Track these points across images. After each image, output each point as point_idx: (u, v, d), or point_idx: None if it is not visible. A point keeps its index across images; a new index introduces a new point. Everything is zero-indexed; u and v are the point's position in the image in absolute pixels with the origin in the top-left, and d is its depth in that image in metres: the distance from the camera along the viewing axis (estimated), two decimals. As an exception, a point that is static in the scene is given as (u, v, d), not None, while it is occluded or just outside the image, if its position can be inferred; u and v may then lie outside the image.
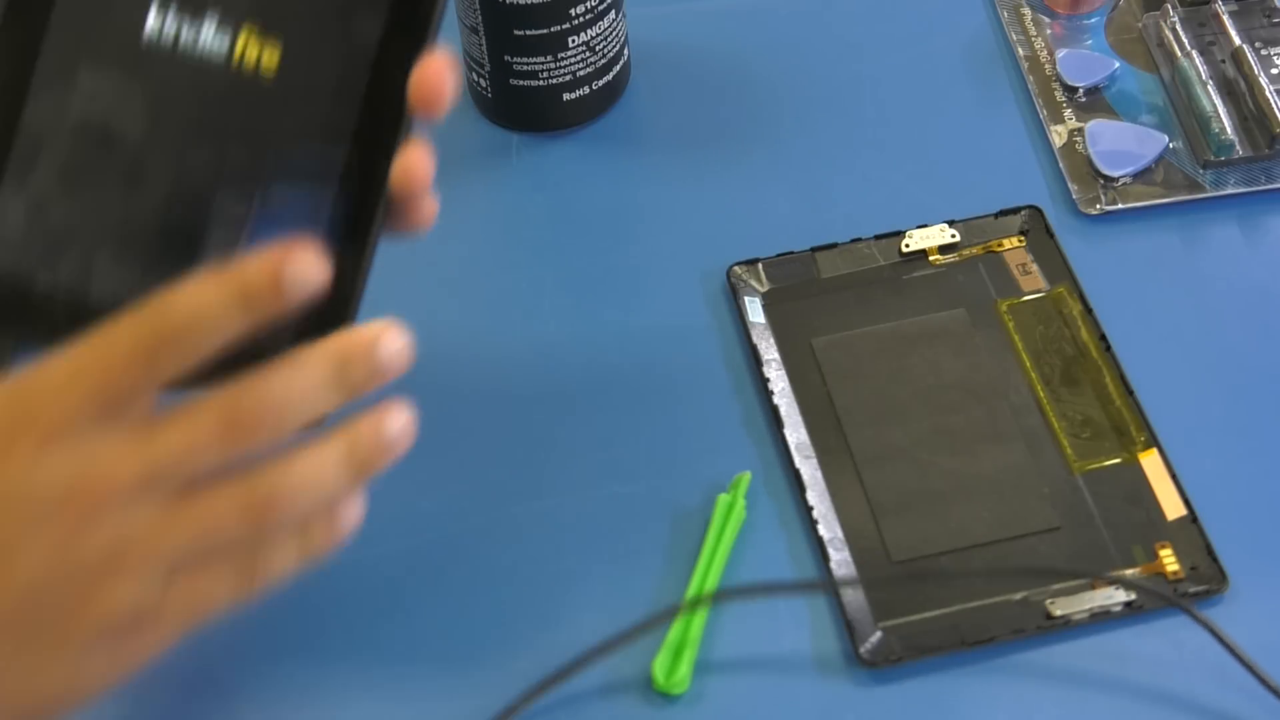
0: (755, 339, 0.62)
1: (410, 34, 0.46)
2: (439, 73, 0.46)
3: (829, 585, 0.56)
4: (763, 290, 0.64)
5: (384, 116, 0.46)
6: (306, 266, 0.43)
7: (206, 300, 0.42)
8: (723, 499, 0.58)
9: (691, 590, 0.56)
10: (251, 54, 0.46)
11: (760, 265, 0.65)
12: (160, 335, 0.42)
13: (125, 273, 0.45)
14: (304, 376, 0.43)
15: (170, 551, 0.43)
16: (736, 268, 0.65)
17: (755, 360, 0.62)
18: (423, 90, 0.46)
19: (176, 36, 0.46)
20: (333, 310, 0.46)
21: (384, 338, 0.45)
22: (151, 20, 0.46)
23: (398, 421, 0.45)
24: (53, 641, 0.42)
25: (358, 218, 0.47)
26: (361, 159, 0.46)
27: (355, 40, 0.46)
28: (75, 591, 0.42)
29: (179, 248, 0.46)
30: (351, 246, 0.46)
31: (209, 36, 0.46)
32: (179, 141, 0.46)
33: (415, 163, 0.46)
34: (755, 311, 0.63)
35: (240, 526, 0.43)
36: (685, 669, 0.54)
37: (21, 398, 0.42)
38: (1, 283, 0.45)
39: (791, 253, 0.65)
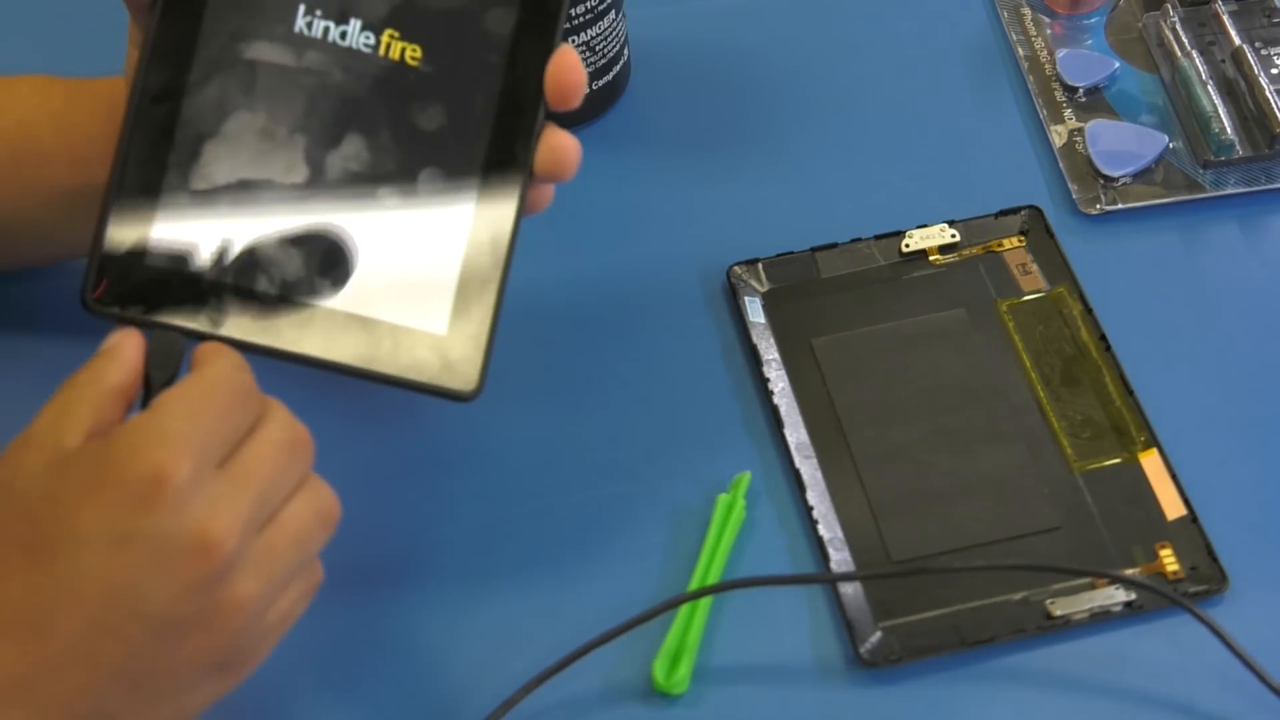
0: (755, 339, 0.62)
1: (541, 29, 0.50)
2: (573, 65, 0.50)
3: (827, 578, 0.56)
4: (763, 290, 0.64)
5: (522, 106, 0.50)
6: None
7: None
8: (723, 499, 0.58)
9: (692, 590, 0.56)
10: (396, 50, 0.49)
11: (760, 265, 0.65)
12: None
13: (287, 258, 0.48)
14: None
15: (277, 579, 0.45)
16: (736, 268, 0.65)
17: (755, 360, 0.62)
18: (558, 81, 0.49)
19: (325, 33, 0.49)
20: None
21: None
22: (300, 19, 0.49)
23: None
24: (174, 673, 0.44)
25: (503, 192, 0.50)
26: (502, 145, 0.50)
27: (491, 35, 0.50)
28: (205, 633, 0.44)
29: (335, 230, 0.49)
30: (493, 238, 0.50)
31: (355, 34, 0.49)
32: (334, 125, 0.49)
33: (565, 144, 0.50)
34: (755, 311, 0.63)
35: (321, 534, 0.47)
36: (685, 670, 0.54)
37: (153, 444, 0.43)
38: (172, 273, 0.47)
39: (791, 253, 0.65)
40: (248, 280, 0.48)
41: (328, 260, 0.48)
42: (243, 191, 0.48)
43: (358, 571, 0.56)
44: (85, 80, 0.57)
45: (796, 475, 0.59)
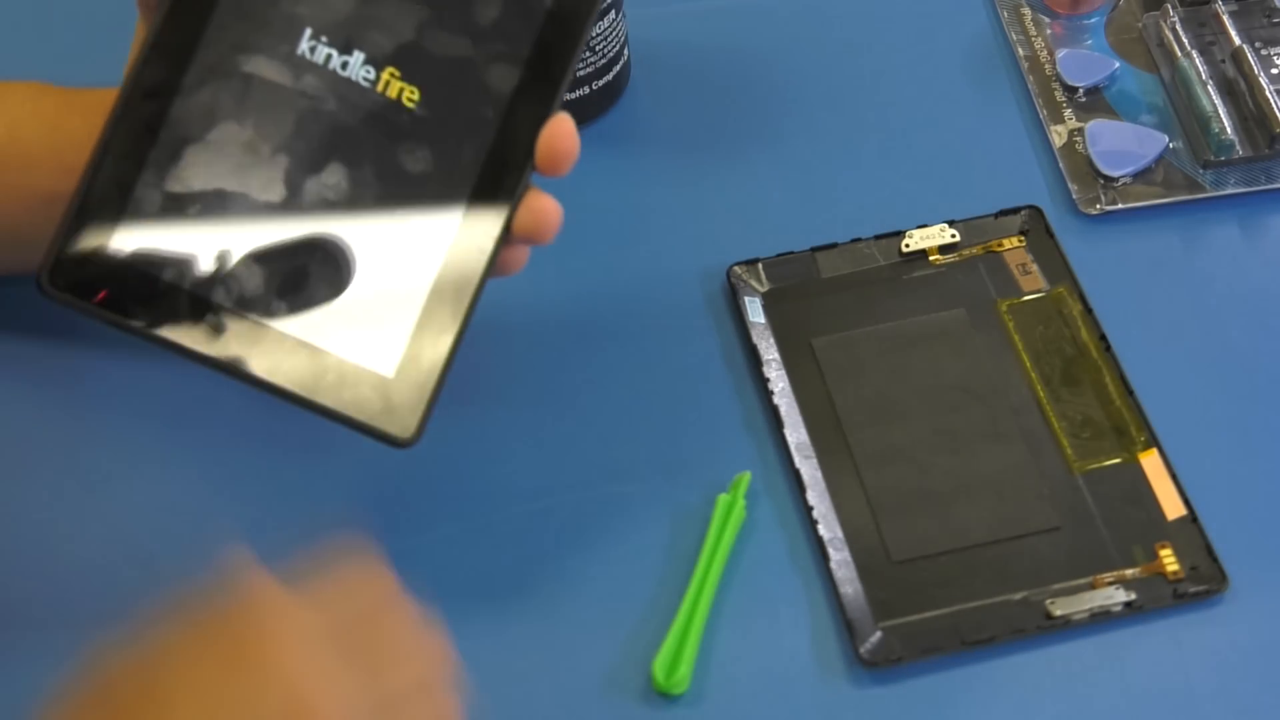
0: (755, 339, 0.62)
1: (541, 93, 0.50)
2: (567, 133, 0.50)
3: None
4: (763, 290, 0.64)
5: (510, 165, 0.50)
6: None
7: None
8: (723, 499, 0.58)
9: (691, 590, 0.56)
10: (394, 88, 0.49)
11: (760, 265, 0.65)
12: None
13: (251, 275, 0.48)
14: None
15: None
16: (736, 268, 0.65)
17: (755, 360, 0.62)
18: (550, 147, 0.50)
19: (326, 60, 0.49)
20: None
21: None
22: (304, 42, 0.49)
23: None
24: None
25: (478, 244, 0.50)
26: (482, 201, 0.50)
27: (490, 90, 0.50)
28: None
29: (305, 255, 0.48)
30: (460, 288, 0.50)
31: (356, 67, 0.49)
32: (319, 150, 0.49)
33: (547, 208, 0.50)
34: (755, 311, 0.63)
35: None
36: (685, 669, 0.54)
37: (301, 613, 0.44)
38: (130, 268, 0.47)
39: (791, 253, 0.65)
40: (204, 289, 0.47)
41: (288, 283, 0.48)
42: (215, 201, 0.48)
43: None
44: (79, 90, 0.57)
45: (796, 475, 0.59)
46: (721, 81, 0.72)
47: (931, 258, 0.65)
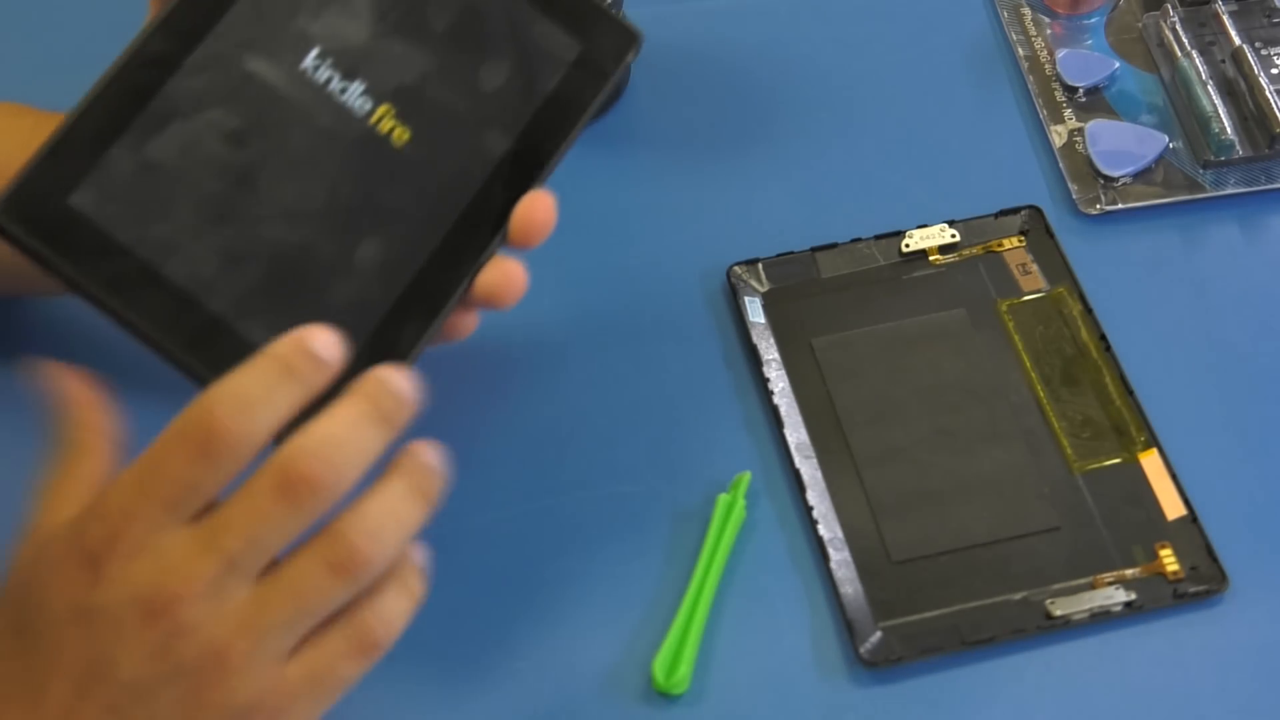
0: (755, 339, 0.62)
1: (528, 166, 0.51)
2: (545, 208, 0.50)
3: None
4: (763, 290, 0.64)
5: (481, 228, 0.50)
6: (328, 341, 0.44)
7: (247, 378, 0.43)
8: (723, 499, 0.58)
9: (691, 590, 0.56)
10: (386, 124, 0.49)
11: (760, 265, 0.65)
12: (211, 425, 0.42)
13: (207, 259, 0.47)
14: (341, 421, 0.43)
15: (271, 632, 0.43)
16: (736, 268, 0.65)
17: (755, 360, 0.62)
18: (526, 219, 0.50)
19: (327, 81, 0.49)
20: None
21: (392, 371, 0.45)
22: (310, 59, 0.49)
23: (434, 452, 0.46)
24: None
25: (436, 292, 0.49)
26: (446, 256, 0.49)
27: (478, 151, 0.50)
28: (187, 689, 0.43)
29: (264, 253, 0.48)
30: (419, 316, 0.49)
31: (354, 95, 0.49)
32: (298, 162, 0.49)
33: (513, 272, 0.50)
34: (755, 311, 0.63)
35: (333, 586, 0.44)
36: (685, 669, 0.54)
37: (96, 519, 0.43)
38: (87, 221, 0.46)
39: (791, 253, 0.65)
40: (156, 260, 0.47)
41: (237, 280, 0.47)
42: (188, 181, 0.47)
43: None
44: (56, 114, 0.57)
45: (796, 475, 0.59)
46: (721, 81, 0.72)
47: (931, 258, 0.65)
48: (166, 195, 0.47)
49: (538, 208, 0.50)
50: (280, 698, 0.44)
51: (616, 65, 0.53)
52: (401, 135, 0.49)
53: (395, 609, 0.45)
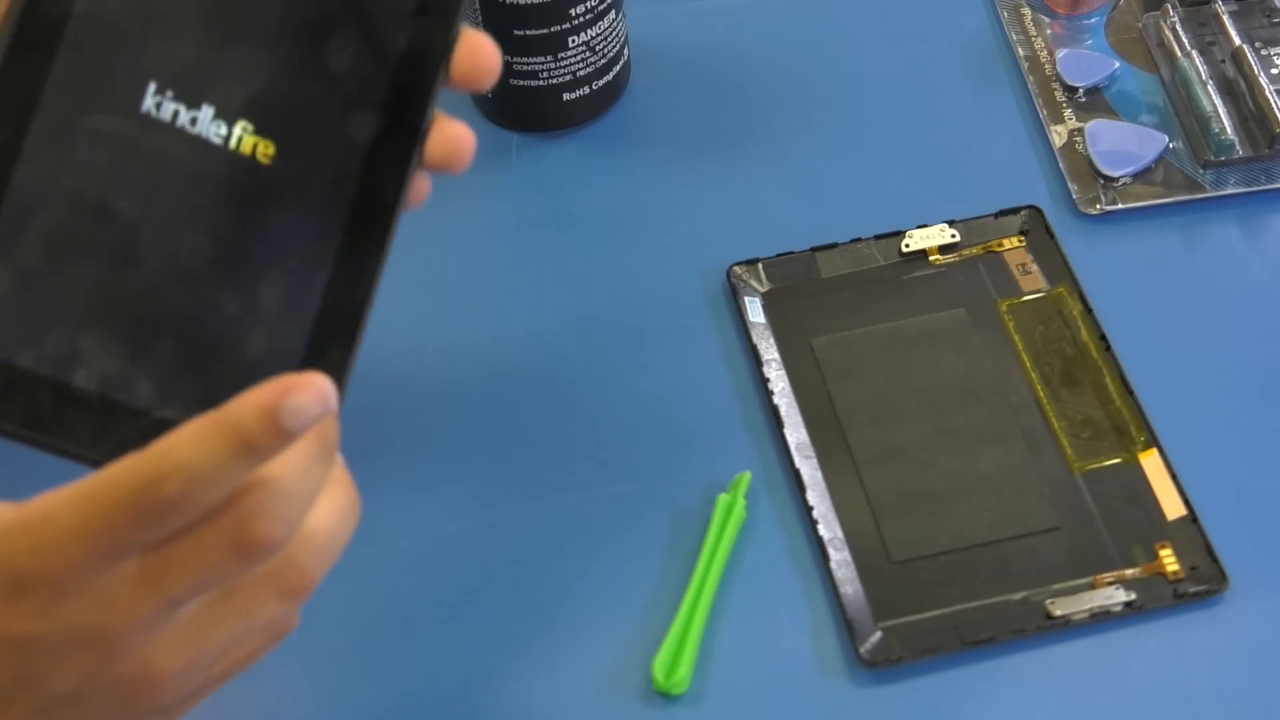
0: (755, 339, 0.62)
1: (402, 137, 0.47)
2: (487, 52, 0.46)
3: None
4: (763, 290, 0.64)
5: (374, 217, 0.46)
6: (309, 400, 0.41)
7: (204, 455, 0.40)
8: (723, 499, 0.58)
9: (691, 590, 0.56)
10: (248, 144, 0.45)
11: (760, 265, 0.65)
12: (160, 498, 0.40)
13: (114, 354, 0.43)
14: (295, 470, 0.42)
15: (208, 649, 0.43)
16: (736, 268, 0.65)
17: (755, 360, 0.62)
18: (468, 65, 0.46)
19: (174, 116, 0.45)
20: None
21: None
22: (149, 98, 0.44)
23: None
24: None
25: (348, 307, 0.46)
26: (352, 256, 0.46)
27: (348, 140, 0.46)
28: (121, 696, 0.43)
29: (168, 328, 0.44)
30: (339, 339, 0.46)
31: (206, 122, 0.45)
32: (173, 216, 0.45)
33: (461, 139, 0.47)
34: (755, 311, 0.63)
35: (278, 605, 0.43)
36: (685, 669, 0.54)
37: (29, 549, 0.41)
38: None
39: (791, 253, 0.65)
40: (62, 377, 0.43)
41: (139, 361, 0.44)
42: (69, 274, 0.43)
43: (356, 572, 0.56)
44: None
45: (796, 475, 0.59)
46: (721, 81, 0.72)
47: (931, 258, 0.65)
48: (52, 301, 0.43)
49: (479, 47, 0.46)
50: (208, 687, 0.44)
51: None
52: (266, 150, 0.45)
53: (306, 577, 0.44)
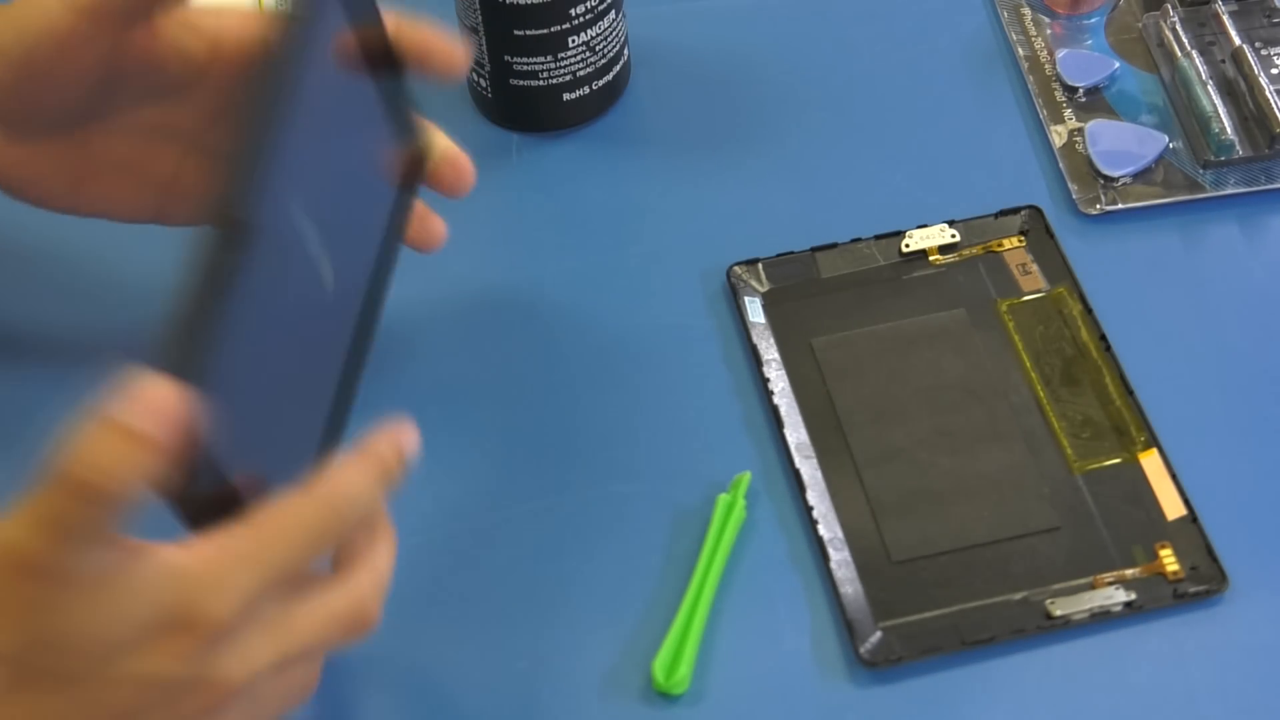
0: (755, 339, 0.62)
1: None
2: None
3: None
4: (763, 290, 0.64)
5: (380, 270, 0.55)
6: (415, 439, 0.47)
7: (361, 481, 0.46)
8: (723, 499, 0.58)
9: (691, 590, 0.56)
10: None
11: (760, 265, 0.65)
12: (331, 516, 0.45)
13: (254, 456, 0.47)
14: (389, 553, 0.48)
15: (291, 689, 0.46)
16: (736, 268, 0.65)
17: (755, 360, 0.62)
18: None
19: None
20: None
21: (400, 438, 0.48)
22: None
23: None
24: None
25: (346, 402, 0.52)
26: (356, 349, 0.53)
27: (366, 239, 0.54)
28: None
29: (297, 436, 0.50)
30: (341, 414, 0.52)
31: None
32: (297, 332, 0.50)
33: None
34: (755, 311, 0.63)
35: (345, 640, 0.47)
36: (685, 669, 0.54)
37: (210, 591, 0.42)
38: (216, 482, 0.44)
39: (791, 253, 0.65)
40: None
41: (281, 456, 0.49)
42: (251, 387, 0.46)
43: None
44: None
45: (796, 475, 0.59)
46: (721, 81, 0.72)
47: (931, 258, 0.65)
48: (256, 424, 0.46)
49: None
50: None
51: None
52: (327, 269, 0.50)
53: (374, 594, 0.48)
